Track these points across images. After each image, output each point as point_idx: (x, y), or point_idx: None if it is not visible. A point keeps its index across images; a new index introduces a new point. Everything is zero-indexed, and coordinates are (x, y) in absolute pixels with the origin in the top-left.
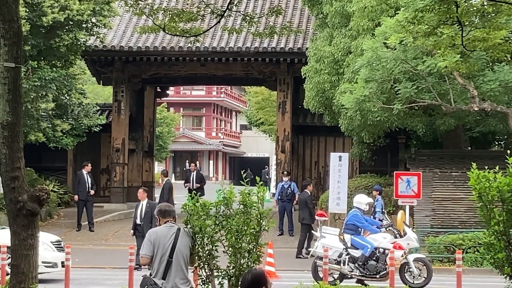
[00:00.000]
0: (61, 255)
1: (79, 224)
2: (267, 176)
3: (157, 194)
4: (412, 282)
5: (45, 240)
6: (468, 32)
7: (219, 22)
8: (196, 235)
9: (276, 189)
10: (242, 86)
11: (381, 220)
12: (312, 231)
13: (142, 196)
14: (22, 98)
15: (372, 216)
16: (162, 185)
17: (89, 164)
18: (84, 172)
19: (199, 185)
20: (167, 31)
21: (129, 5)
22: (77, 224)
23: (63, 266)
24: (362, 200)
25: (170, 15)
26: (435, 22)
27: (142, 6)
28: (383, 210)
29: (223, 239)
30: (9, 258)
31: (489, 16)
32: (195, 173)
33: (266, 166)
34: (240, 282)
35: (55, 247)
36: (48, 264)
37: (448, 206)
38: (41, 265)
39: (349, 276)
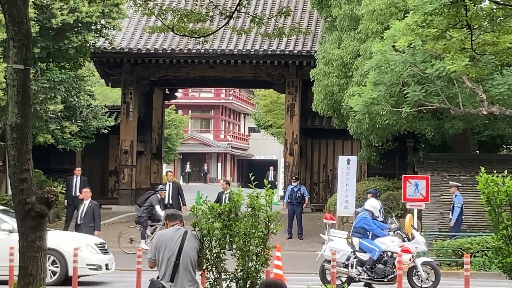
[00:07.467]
0: (106, 257)
1: (67, 226)
2: (272, 179)
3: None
4: (420, 285)
5: (90, 243)
6: (478, 36)
7: (227, 23)
8: (204, 238)
9: (284, 192)
10: (250, 89)
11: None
12: None
13: (86, 195)
14: (31, 100)
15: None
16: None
17: (77, 168)
18: (75, 176)
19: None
20: (175, 31)
21: (138, 5)
22: (64, 226)
23: (107, 268)
24: (375, 205)
25: (179, 16)
26: (445, 26)
27: (151, 6)
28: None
29: (231, 242)
30: None
31: (499, 20)
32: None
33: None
34: None
35: (99, 249)
36: (93, 266)
37: None
38: (86, 267)
39: (357, 280)
